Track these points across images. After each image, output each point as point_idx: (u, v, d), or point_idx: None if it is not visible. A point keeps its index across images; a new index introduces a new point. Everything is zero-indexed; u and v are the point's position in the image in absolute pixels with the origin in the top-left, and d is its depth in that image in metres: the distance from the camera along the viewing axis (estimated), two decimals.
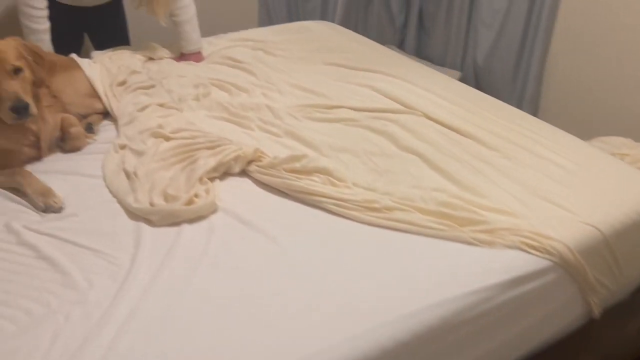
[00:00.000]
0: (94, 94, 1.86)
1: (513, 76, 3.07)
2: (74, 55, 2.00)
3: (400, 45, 3.84)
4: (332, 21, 3.55)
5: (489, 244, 1.22)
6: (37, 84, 1.56)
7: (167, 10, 2.16)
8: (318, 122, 1.77)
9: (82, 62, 1.96)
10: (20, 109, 1.43)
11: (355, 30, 3.66)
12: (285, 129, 1.71)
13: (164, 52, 2.29)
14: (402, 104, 1.86)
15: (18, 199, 1.40)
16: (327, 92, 1.95)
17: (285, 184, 1.40)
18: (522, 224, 1.26)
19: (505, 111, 1.85)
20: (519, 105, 3.05)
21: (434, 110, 1.80)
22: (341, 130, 1.72)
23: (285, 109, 1.83)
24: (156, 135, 1.62)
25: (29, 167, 1.54)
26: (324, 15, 3.57)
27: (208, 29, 2.87)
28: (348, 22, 3.64)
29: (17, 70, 1.46)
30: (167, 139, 1.61)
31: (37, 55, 1.57)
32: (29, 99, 1.46)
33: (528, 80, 2.98)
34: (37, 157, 1.59)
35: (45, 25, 1.97)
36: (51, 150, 1.63)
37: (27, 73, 1.50)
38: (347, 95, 1.93)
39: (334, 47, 2.41)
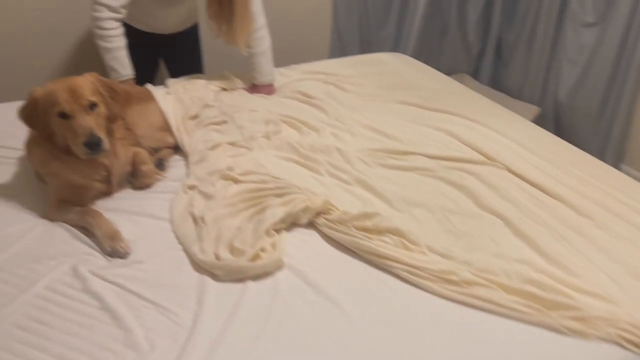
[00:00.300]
0: (167, 127, 1.87)
1: (598, 115, 2.87)
2: (149, 86, 2.02)
3: (475, 74, 3.71)
4: (406, 47, 3.49)
5: (581, 334, 1.09)
6: (111, 119, 1.57)
7: (247, 41, 2.15)
8: (390, 169, 1.69)
9: (157, 93, 1.97)
10: (93, 145, 1.43)
11: (429, 56, 3.59)
12: (355, 175, 1.63)
13: (236, 83, 2.28)
14: (481, 153, 1.75)
15: (87, 239, 1.39)
16: (400, 135, 1.87)
17: (355, 243, 1.33)
18: (620, 313, 1.12)
19: (597, 168, 1.70)
20: (603, 147, 2.86)
21: (516, 163, 1.68)
22: (415, 180, 1.63)
23: (355, 153, 1.76)
24: (225, 177, 1.59)
25: (99, 203, 1.55)
26: (397, 42, 3.49)
27: (280, 58, 2.86)
28: (422, 48, 3.55)
29: (92, 106, 1.47)
30: (236, 181, 1.58)
31: (112, 91, 1.57)
32: (102, 135, 1.46)
33: (615, 121, 2.78)
34: (108, 193, 1.59)
35: (119, 43, 1.96)
36: (121, 185, 1.63)
37: (102, 108, 1.51)
38: (422, 140, 1.84)
39: (408, 83, 2.33)
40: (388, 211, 1.47)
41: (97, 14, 1.90)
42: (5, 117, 1.95)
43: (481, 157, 1.72)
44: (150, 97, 1.94)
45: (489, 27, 3.53)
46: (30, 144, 1.56)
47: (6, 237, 1.39)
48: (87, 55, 2.79)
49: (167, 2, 2.14)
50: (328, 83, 2.30)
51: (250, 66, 2.25)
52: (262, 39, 2.21)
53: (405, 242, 1.32)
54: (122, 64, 1.96)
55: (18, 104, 2.06)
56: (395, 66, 2.55)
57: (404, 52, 3.50)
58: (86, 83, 1.49)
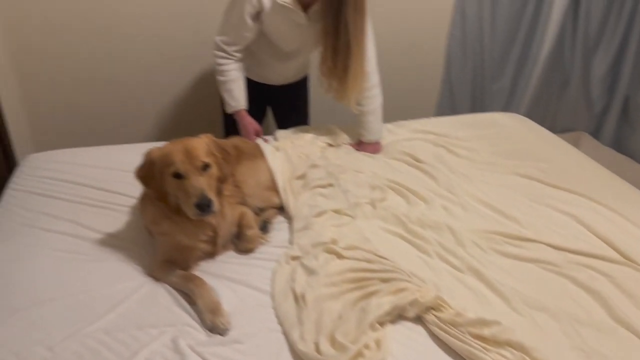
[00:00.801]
0: (273, 187, 1.84)
1: None
2: (260, 141, 2.02)
3: (595, 133, 3.42)
4: (521, 100, 3.29)
5: None
6: (221, 179, 1.57)
7: (358, 99, 2.10)
8: (508, 258, 1.54)
9: (267, 150, 1.96)
10: (204, 206, 1.43)
11: (545, 110, 3.37)
12: (468, 262, 1.50)
13: (342, 138, 2.24)
14: (614, 248, 1.56)
15: (188, 307, 1.38)
16: (519, 215, 1.71)
17: (469, 352, 1.20)
18: None
19: None
20: None
21: None
22: (537, 275, 1.47)
23: (468, 233, 1.63)
24: (329, 251, 1.52)
25: (202, 265, 1.54)
26: (511, 96, 3.30)
27: (386, 111, 2.79)
28: (538, 102, 3.33)
29: (205, 167, 1.48)
30: (340, 257, 1.51)
31: (225, 152, 1.58)
32: (213, 196, 1.46)
33: None
34: (212, 254, 1.58)
35: (232, 77, 2.04)
36: (225, 247, 1.62)
37: (214, 169, 1.51)
38: (544, 224, 1.67)
39: (526, 151, 2.16)
40: (506, 311, 1.33)
41: (215, 52, 2.03)
42: (118, 159, 2.05)
43: (615, 255, 1.53)
44: (260, 154, 1.94)
45: (616, 83, 3.24)
46: (144, 201, 1.60)
47: (114, 294, 1.41)
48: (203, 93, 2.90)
49: (282, 55, 2.15)
50: (439, 145, 2.19)
51: (358, 123, 2.19)
52: (374, 98, 2.15)
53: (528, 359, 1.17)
54: (233, 97, 2.06)
55: (131, 146, 2.21)
56: (511, 129, 2.38)
57: (519, 106, 3.32)
58: (201, 144, 1.50)
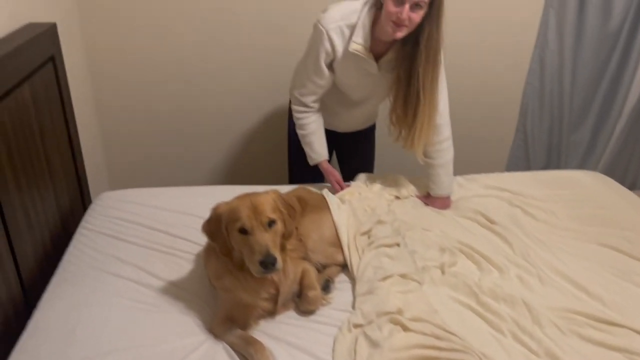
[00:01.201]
0: (338, 242, 1.80)
1: None
2: (325, 193, 1.99)
3: None
4: (601, 154, 3.11)
5: None
6: (286, 236, 1.54)
7: (427, 151, 2.05)
8: (590, 344, 1.41)
9: (332, 202, 1.92)
10: (268, 264, 1.40)
11: (628, 164, 3.15)
12: (545, 346, 1.39)
13: (410, 190, 2.18)
14: None
15: None
16: (603, 294, 1.58)
17: None
18: None
19: None
20: None
21: None
22: None
23: (546, 311, 1.51)
24: (394, 321, 1.45)
25: (262, 325, 1.51)
26: (590, 149, 3.13)
27: (457, 163, 2.70)
28: (620, 157, 3.14)
29: (271, 223, 1.45)
30: (406, 329, 1.43)
31: (291, 209, 1.55)
32: (277, 253, 1.43)
33: None
34: (272, 313, 1.55)
35: (311, 129, 2.06)
36: (286, 306, 1.58)
37: (279, 225, 1.49)
38: (632, 307, 1.53)
39: (609, 217, 2.01)
40: None
41: (294, 106, 2.07)
42: (188, 203, 2.07)
43: None
44: (325, 207, 1.90)
45: None
46: (208, 254, 1.59)
47: (175, 350, 1.41)
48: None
49: (350, 103, 2.14)
50: (514, 205, 2.07)
51: (428, 176, 2.13)
52: (445, 151, 2.08)
53: None
54: (314, 149, 2.09)
55: (201, 188, 2.24)
56: (592, 190, 2.22)
57: (599, 160, 3.14)
58: (268, 200, 1.48)
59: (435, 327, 1.42)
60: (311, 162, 2.12)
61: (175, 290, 1.64)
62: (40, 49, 1.83)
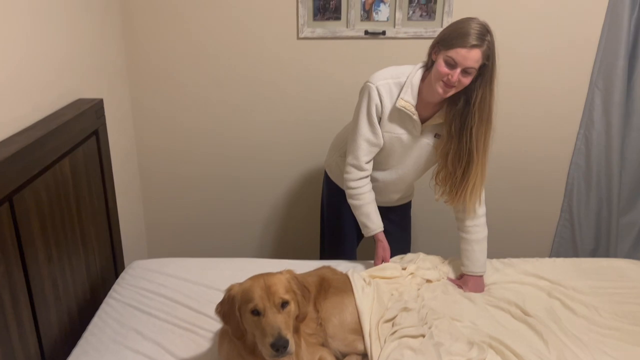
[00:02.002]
0: (359, 329, 1.73)
1: None
2: (350, 273, 1.94)
3: None
4: None
5: None
6: (299, 318, 1.50)
7: (472, 208, 2.01)
8: None
9: (356, 285, 1.87)
10: (279, 347, 1.35)
11: None
12: None
13: (442, 273, 2.10)
14: None
15: None
16: None
17: None
18: None
19: None
20: None
21: None
22: None
23: None
24: None
25: None
26: None
27: (494, 244, 2.61)
28: None
29: (284, 304, 1.42)
30: None
31: (305, 290, 1.52)
32: (289, 335, 1.38)
33: None
34: None
35: (367, 199, 2.05)
36: None
37: (292, 306, 1.45)
38: None
39: None
40: None
41: (347, 175, 2.04)
42: (215, 276, 2.07)
43: None
44: (349, 289, 1.85)
45: None
46: (222, 337, 1.57)
47: None
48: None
49: (389, 175, 2.11)
50: (552, 297, 1.95)
51: (462, 252, 2.07)
52: (482, 227, 2.05)
53: None
54: (372, 220, 2.07)
55: (230, 260, 2.24)
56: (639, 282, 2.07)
57: None
58: (281, 281, 1.46)
59: None
60: (367, 233, 2.10)
61: None
62: (84, 125, 1.94)
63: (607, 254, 2.91)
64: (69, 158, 1.81)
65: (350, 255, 2.34)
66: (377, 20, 2.59)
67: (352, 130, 2.02)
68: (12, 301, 1.48)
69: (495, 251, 2.37)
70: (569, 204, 2.93)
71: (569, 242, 2.98)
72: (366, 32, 2.59)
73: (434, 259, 2.17)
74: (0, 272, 1.42)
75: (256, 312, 1.40)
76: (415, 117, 1.92)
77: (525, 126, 2.78)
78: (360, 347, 1.70)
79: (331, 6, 2.56)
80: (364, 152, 1.99)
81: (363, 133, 1.97)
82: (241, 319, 1.43)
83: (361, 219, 2.08)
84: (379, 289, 1.91)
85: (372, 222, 2.07)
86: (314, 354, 1.58)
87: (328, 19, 2.58)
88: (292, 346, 1.38)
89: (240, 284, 1.47)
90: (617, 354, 1.65)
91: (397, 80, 1.91)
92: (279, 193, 2.94)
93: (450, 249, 2.40)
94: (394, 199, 2.26)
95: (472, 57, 1.73)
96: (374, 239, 2.12)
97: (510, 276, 2.11)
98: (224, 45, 2.60)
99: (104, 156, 2.12)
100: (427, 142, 1.99)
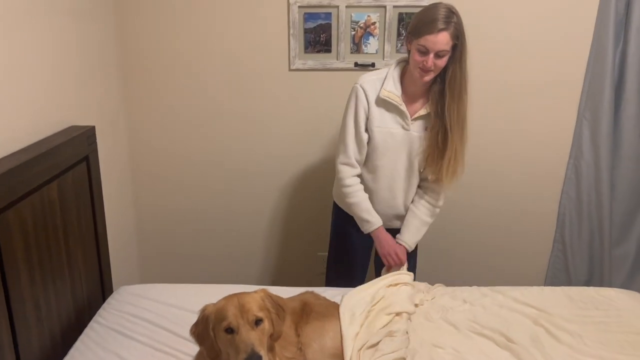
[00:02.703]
0: (339, 354, 1.72)
1: None
2: (341, 308, 1.91)
3: None
4: None
5: None
6: (274, 337, 1.50)
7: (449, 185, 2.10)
8: None
9: (344, 314, 1.85)
10: None
11: None
12: None
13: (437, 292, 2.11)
14: None
15: None
16: None
17: None
18: None
19: None
20: None
21: None
22: None
23: None
24: None
25: None
26: (636, 264, 2.93)
27: (488, 272, 2.59)
28: None
29: (258, 321, 1.43)
30: None
31: (279, 308, 1.53)
32: (263, 352, 1.38)
33: None
34: None
35: (362, 196, 2.13)
36: None
37: (266, 324, 1.46)
38: None
39: None
40: None
41: (341, 175, 2.13)
42: (201, 301, 2.07)
43: None
44: (331, 314, 1.85)
45: None
46: (198, 358, 1.56)
47: None
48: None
49: (387, 182, 2.15)
50: (537, 324, 1.93)
51: (404, 222, 2.20)
52: (430, 212, 2.19)
53: None
54: (372, 214, 2.14)
55: (217, 286, 2.24)
56: (628, 312, 2.03)
57: None
58: (255, 299, 1.47)
59: None
60: (369, 229, 2.14)
61: None
62: (75, 150, 1.98)
63: (601, 285, 2.88)
64: (57, 182, 1.85)
65: (354, 283, 2.32)
66: (367, 53, 2.66)
67: (341, 130, 2.11)
68: None
69: (489, 282, 2.37)
70: (562, 234, 2.93)
71: (563, 273, 2.97)
72: (356, 64, 2.65)
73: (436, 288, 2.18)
74: None
75: (230, 330, 1.40)
76: (403, 107, 2.00)
77: (516, 155, 2.81)
78: None
79: (322, 39, 2.63)
80: (354, 151, 2.07)
81: (351, 132, 2.06)
82: (215, 338, 1.44)
83: (362, 215, 2.13)
84: (369, 318, 1.89)
85: (373, 217, 2.12)
86: None
87: (319, 51, 2.65)
88: None
89: (214, 304, 1.48)
90: None
91: (380, 76, 2.04)
92: (274, 222, 2.96)
93: (453, 272, 2.39)
94: (397, 210, 2.24)
95: (440, 40, 1.83)
96: (374, 237, 2.15)
97: (498, 302, 2.09)
98: (219, 75, 2.67)
99: (94, 182, 2.16)
100: (418, 135, 2.06)
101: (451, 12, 1.85)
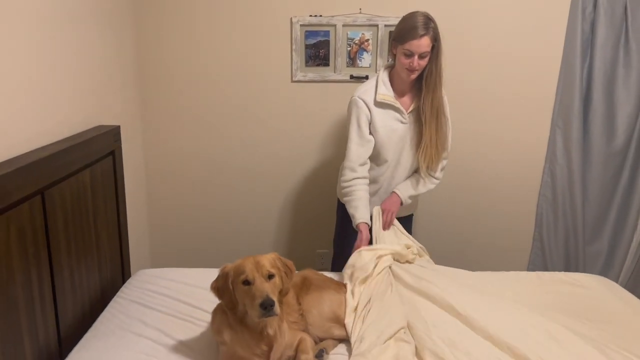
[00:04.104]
0: (335, 319, 1.96)
1: None
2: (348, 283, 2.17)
3: None
4: (622, 265, 3.15)
5: None
6: (282, 292, 1.75)
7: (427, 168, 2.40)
8: None
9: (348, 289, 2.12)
10: (267, 306, 1.59)
11: None
12: None
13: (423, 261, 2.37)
14: None
15: None
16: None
17: None
18: None
19: None
20: None
21: None
22: None
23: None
24: None
25: None
26: (610, 260, 3.18)
27: (475, 259, 2.80)
28: None
29: (270, 276, 1.68)
30: None
31: (287, 269, 1.78)
32: (275, 299, 1.63)
33: None
34: None
35: (356, 196, 2.34)
36: None
37: (277, 280, 1.71)
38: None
39: (592, 311, 2.08)
40: None
41: (342, 177, 2.40)
42: (208, 280, 2.31)
43: None
44: (327, 286, 2.09)
45: None
46: (215, 312, 1.81)
47: None
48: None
49: (387, 172, 2.42)
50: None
51: (406, 180, 2.46)
52: (425, 184, 2.45)
53: None
54: (359, 211, 2.34)
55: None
56: (589, 290, 2.26)
57: (619, 273, 3.16)
58: (268, 259, 1.72)
59: None
60: (354, 223, 2.35)
61: (184, 349, 1.84)
62: (103, 145, 2.26)
63: None
64: (89, 170, 2.12)
65: None
66: (361, 67, 2.97)
67: (347, 138, 2.38)
68: (38, 280, 1.74)
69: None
70: (540, 233, 3.19)
71: (542, 269, 3.20)
72: (351, 77, 2.96)
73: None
74: (30, 253, 1.69)
75: (247, 282, 1.65)
76: (398, 104, 2.31)
77: (498, 161, 3.10)
78: (336, 332, 1.93)
79: (321, 54, 2.94)
80: (356, 155, 2.34)
81: (353, 139, 2.34)
82: (234, 290, 1.68)
83: (350, 210, 2.36)
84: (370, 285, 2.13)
85: (359, 213, 2.33)
86: (295, 336, 1.81)
87: (318, 65, 2.96)
88: (277, 308, 1.63)
89: (233, 263, 1.73)
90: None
91: (371, 84, 2.35)
92: (275, 220, 3.22)
93: (451, 258, 2.64)
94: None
95: (423, 44, 2.15)
96: (357, 229, 2.36)
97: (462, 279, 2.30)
98: (229, 84, 2.98)
99: (118, 175, 2.43)
100: (413, 126, 2.36)
101: (428, 19, 2.18)
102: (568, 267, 3.18)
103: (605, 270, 3.18)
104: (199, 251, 3.25)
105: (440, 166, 2.44)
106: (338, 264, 2.63)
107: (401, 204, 2.43)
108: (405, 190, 2.45)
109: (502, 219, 3.20)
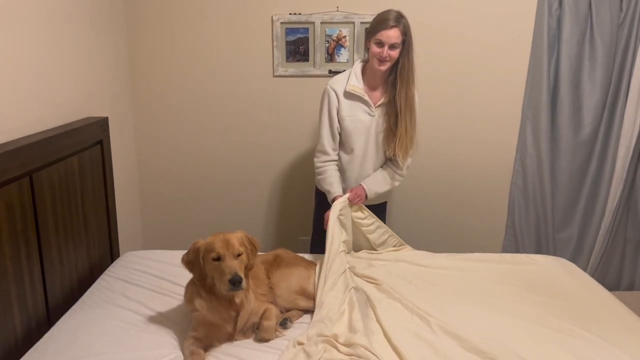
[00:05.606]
0: (301, 292, 2.13)
1: None
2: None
3: None
4: (590, 251, 3.28)
5: None
6: (248, 267, 1.92)
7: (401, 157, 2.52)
8: None
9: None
10: (235, 282, 1.76)
11: (621, 262, 3.28)
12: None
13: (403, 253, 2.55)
14: None
15: None
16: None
17: None
18: None
19: None
20: None
21: None
22: None
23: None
24: (328, 342, 1.74)
25: (223, 347, 1.83)
26: (579, 246, 3.33)
27: (452, 243, 2.94)
28: (610, 255, 3.29)
29: (238, 254, 1.84)
30: (337, 349, 1.72)
31: (253, 246, 1.95)
32: (243, 275, 1.80)
33: None
34: (231, 336, 1.87)
35: (329, 173, 2.53)
36: (246, 335, 1.90)
37: (244, 257, 1.87)
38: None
39: (546, 287, 2.23)
40: None
41: (315, 160, 2.58)
42: None
43: None
44: (296, 263, 2.26)
45: None
46: (187, 285, 1.97)
47: (148, 357, 1.74)
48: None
49: (357, 160, 2.57)
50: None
51: (374, 173, 2.60)
52: (394, 177, 2.60)
53: None
54: (333, 187, 2.51)
55: None
56: (544, 269, 2.42)
57: (588, 259, 3.30)
58: (237, 237, 1.89)
59: (361, 349, 1.70)
60: (329, 197, 2.52)
61: (162, 319, 2.00)
62: (91, 134, 2.43)
63: None
64: (77, 157, 2.29)
65: None
66: (339, 62, 3.13)
67: (318, 125, 2.55)
68: (27, 254, 1.91)
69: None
70: (512, 220, 3.33)
71: None
72: (330, 71, 3.12)
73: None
74: (19, 229, 1.86)
75: (217, 259, 1.81)
76: (366, 97, 2.46)
77: (472, 152, 3.25)
78: (302, 304, 2.10)
79: (301, 50, 3.11)
80: (327, 140, 2.51)
81: (324, 125, 2.51)
82: (204, 265, 1.85)
83: (325, 187, 2.53)
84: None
85: (333, 188, 2.51)
86: (261, 305, 1.98)
87: (298, 60, 3.12)
88: (244, 283, 1.79)
89: (204, 239, 1.89)
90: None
91: (345, 75, 2.52)
92: (260, 209, 3.39)
93: (427, 245, 2.80)
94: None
95: (393, 34, 2.30)
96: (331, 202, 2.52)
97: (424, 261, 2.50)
98: (214, 79, 3.15)
99: (107, 162, 2.60)
100: (381, 119, 2.51)
101: (400, 15, 2.34)
102: (539, 252, 3.31)
103: (576, 256, 3.31)
104: (188, 235, 3.40)
105: (406, 164, 2.59)
106: (316, 245, 2.79)
107: (366, 197, 2.57)
108: (373, 186, 2.57)
109: (477, 207, 3.34)
